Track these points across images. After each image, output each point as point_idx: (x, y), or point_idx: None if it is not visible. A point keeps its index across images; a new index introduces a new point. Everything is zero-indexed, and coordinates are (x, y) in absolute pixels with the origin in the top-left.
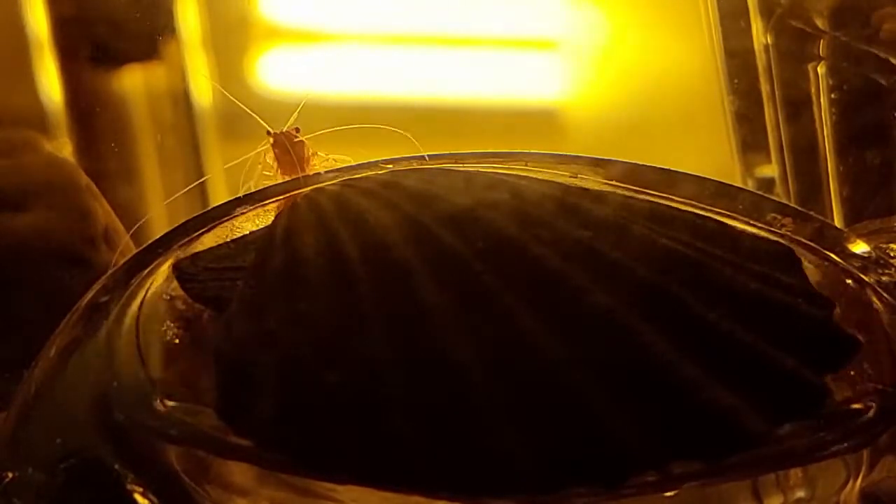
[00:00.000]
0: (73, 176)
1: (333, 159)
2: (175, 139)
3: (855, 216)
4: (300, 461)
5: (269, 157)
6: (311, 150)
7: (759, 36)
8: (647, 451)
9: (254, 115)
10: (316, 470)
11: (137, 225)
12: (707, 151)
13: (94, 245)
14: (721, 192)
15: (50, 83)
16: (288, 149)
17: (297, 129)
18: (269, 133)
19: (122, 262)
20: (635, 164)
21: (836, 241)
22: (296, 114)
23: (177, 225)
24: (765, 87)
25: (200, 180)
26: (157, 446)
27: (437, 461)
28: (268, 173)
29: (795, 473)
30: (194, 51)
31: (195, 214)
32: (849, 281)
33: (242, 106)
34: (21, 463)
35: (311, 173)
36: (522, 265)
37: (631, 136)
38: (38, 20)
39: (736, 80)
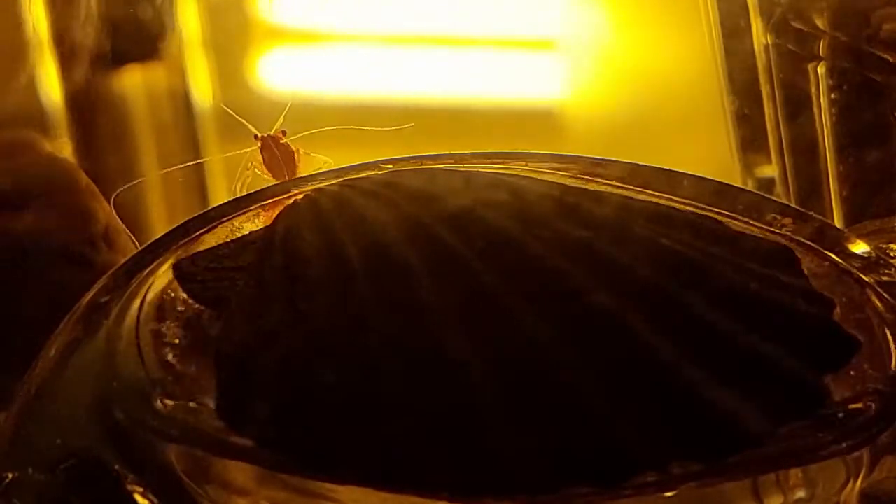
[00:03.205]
0: (73, 176)
1: (315, 158)
2: (175, 139)
3: (855, 216)
4: (300, 461)
5: (258, 160)
6: (298, 151)
7: (759, 36)
8: (648, 451)
9: (240, 118)
10: (315, 470)
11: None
12: (707, 151)
13: (94, 245)
14: (721, 192)
15: (50, 83)
16: (275, 151)
17: (284, 132)
18: (256, 137)
19: (122, 262)
20: (635, 164)
21: (836, 241)
22: (314, 114)
23: (177, 225)
24: (765, 87)
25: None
26: (157, 446)
27: (436, 461)
28: (260, 172)
29: (795, 473)
30: (194, 51)
31: (195, 214)
32: (849, 281)
33: (230, 111)
34: (21, 463)
35: (299, 175)
36: (522, 265)
37: (631, 136)
38: (38, 20)
39: (736, 80)
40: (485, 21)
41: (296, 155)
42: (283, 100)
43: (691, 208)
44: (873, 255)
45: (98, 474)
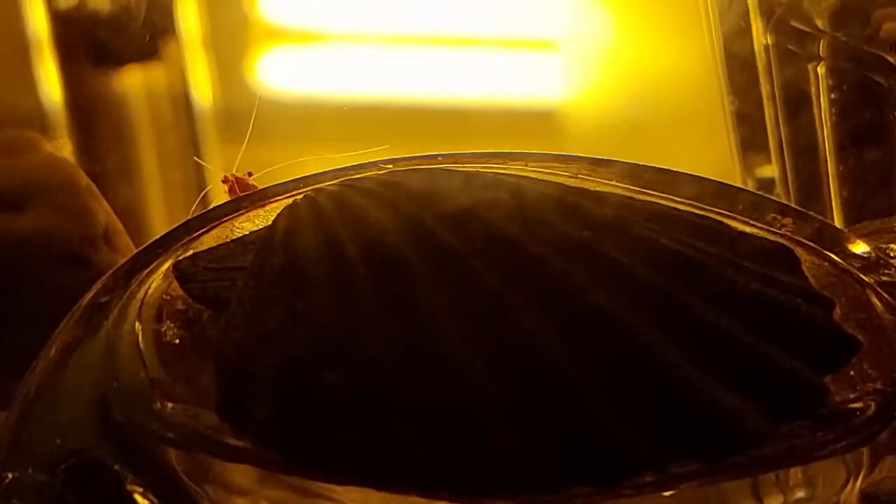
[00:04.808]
0: (73, 176)
1: None
2: (175, 139)
3: (855, 216)
4: (300, 462)
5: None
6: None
7: (759, 36)
8: (647, 451)
9: (205, 164)
10: (315, 470)
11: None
12: (707, 151)
13: (94, 245)
14: (721, 192)
15: (50, 83)
16: (241, 192)
17: (250, 174)
18: (223, 180)
19: (122, 262)
20: (635, 164)
21: (836, 241)
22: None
23: (177, 225)
24: (765, 87)
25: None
26: (157, 447)
27: (436, 461)
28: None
29: (795, 473)
30: (194, 51)
31: (195, 214)
32: (849, 281)
33: (206, 165)
34: (21, 463)
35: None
36: (522, 265)
37: (631, 136)
38: (38, 20)
39: (736, 80)
40: (485, 21)
41: None
42: (283, 100)
43: (691, 208)
44: (873, 255)
45: (98, 474)
